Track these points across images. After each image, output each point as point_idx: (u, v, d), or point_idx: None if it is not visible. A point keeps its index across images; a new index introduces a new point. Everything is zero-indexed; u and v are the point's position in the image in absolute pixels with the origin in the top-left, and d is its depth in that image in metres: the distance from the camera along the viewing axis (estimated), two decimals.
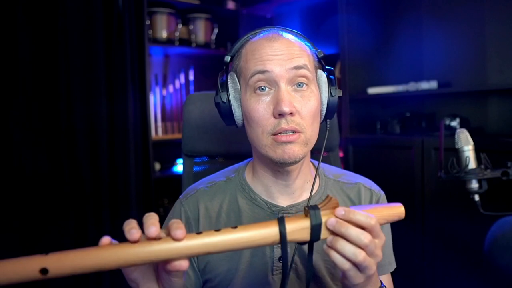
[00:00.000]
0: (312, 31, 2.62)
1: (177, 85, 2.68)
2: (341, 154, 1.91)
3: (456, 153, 1.12)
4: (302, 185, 0.81)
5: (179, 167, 2.55)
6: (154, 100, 2.52)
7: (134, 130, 2.14)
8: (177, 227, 0.51)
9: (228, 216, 0.81)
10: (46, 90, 1.94)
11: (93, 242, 0.51)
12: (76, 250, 0.48)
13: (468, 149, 1.11)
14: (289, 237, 0.53)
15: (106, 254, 0.48)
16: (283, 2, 2.64)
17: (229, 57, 0.78)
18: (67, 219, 1.95)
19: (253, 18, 2.77)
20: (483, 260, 0.72)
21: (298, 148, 0.71)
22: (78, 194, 1.99)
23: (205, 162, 1.16)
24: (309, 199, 0.75)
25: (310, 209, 0.54)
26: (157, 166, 2.47)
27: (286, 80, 0.71)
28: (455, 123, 1.82)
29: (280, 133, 0.71)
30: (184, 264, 0.52)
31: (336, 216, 0.56)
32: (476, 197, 1.12)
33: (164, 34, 2.44)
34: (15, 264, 0.45)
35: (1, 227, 1.81)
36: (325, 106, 0.77)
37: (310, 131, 0.73)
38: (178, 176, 1.91)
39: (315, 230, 0.54)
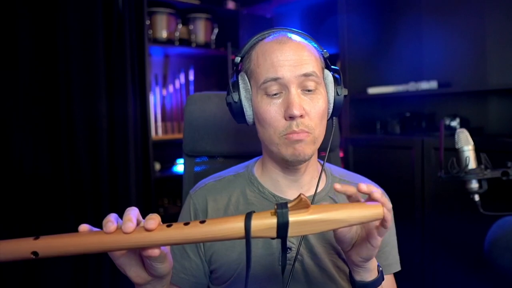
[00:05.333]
0: (312, 31, 2.60)
1: (177, 85, 2.68)
2: (341, 154, 1.91)
3: (456, 153, 1.12)
4: (310, 181, 0.85)
5: (179, 167, 2.55)
6: (154, 100, 2.52)
7: (134, 130, 2.14)
8: (151, 217, 0.54)
9: (236, 209, 0.84)
10: (46, 90, 1.94)
11: None
12: (61, 236, 0.54)
13: (468, 149, 1.10)
14: (255, 233, 0.54)
15: (86, 240, 0.54)
16: (283, 2, 2.64)
17: (239, 58, 0.81)
18: (66, 219, 1.95)
19: (253, 18, 2.77)
20: (483, 260, 0.72)
21: (308, 146, 0.75)
22: (78, 193, 1.99)
23: (206, 162, 1.16)
24: (314, 195, 0.79)
25: (277, 208, 0.54)
26: (157, 166, 2.47)
27: (296, 85, 0.75)
28: (455, 123, 1.82)
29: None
30: (156, 251, 0.55)
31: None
32: (476, 197, 1.12)
33: (164, 34, 2.44)
34: (10, 245, 0.52)
35: (0, 227, 1.81)
36: (331, 105, 0.81)
37: (318, 130, 0.77)
38: (178, 176, 1.91)
39: (281, 228, 0.54)
